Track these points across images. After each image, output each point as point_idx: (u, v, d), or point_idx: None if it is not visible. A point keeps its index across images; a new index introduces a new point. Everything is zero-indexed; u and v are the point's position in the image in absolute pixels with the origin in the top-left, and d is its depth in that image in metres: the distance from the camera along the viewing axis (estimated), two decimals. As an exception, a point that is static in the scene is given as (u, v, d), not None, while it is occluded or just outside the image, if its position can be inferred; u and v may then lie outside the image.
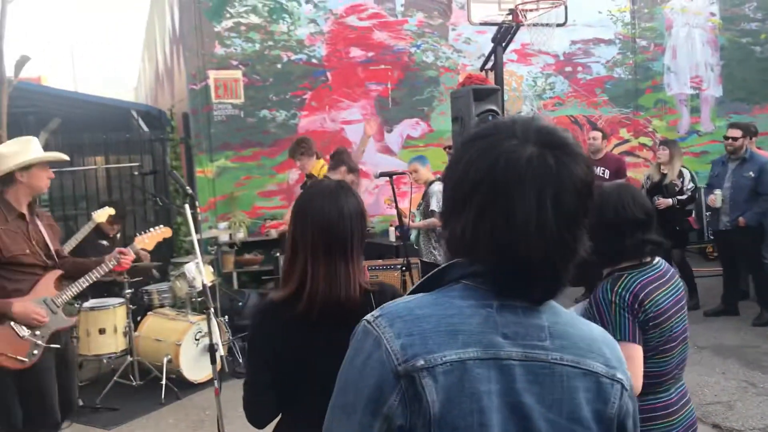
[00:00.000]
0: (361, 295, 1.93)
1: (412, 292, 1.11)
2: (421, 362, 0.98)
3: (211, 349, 3.14)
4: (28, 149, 3.45)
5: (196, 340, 5.30)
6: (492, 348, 1.00)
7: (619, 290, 2.10)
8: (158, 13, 11.44)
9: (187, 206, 3.48)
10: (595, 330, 1.12)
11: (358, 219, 1.96)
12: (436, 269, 1.10)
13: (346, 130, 8.44)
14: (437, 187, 5.94)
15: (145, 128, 8.83)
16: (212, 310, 3.17)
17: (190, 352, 5.29)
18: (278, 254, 7.29)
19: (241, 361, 5.61)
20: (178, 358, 5.21)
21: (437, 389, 0.97)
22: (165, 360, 5.21)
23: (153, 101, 13.05)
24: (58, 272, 3.47)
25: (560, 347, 1.04)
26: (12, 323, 3.29)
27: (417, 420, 0.97)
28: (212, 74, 7.90)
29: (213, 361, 3.17)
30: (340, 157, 5.78)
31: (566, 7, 7.38)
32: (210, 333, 3.10)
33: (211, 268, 5.55)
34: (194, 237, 3.38)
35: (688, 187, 6.65)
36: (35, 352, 3.32)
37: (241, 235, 7.68)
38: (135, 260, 3.67)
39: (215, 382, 3.20)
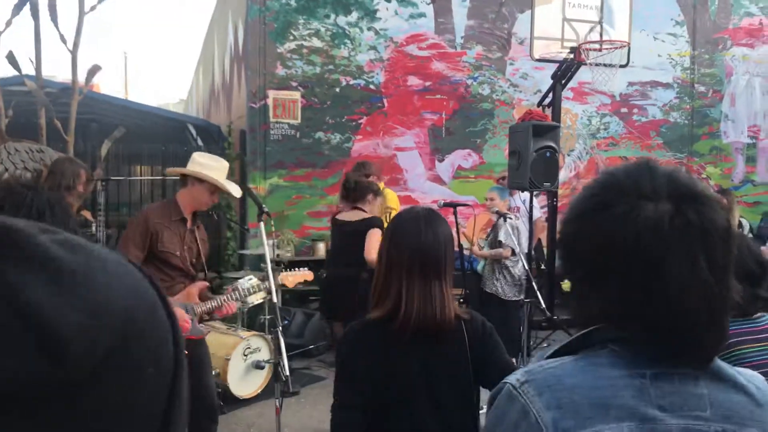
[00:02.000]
0: (454, 318, 1.97)
1: (554, 354, 1.05)
2: None
3: (276, 368, 3.16)
4: (220, 169, 3.54)
5: (244, 355, 5.33)
6: (648, 422, 0.94)
7: None
8: (219, 30, 11.71)
9: (262, 224, 3.53)
10: (762, 392, 1.03)
11: (450, 244, 2.04)
12: (580, 333, 1.04)
13: (398, 157, 8.49)
14: (511, 222, 5.89)
15: (200, 142, 9.01)
16: (280, 328, 3.19)
17: (238, 368, 5.32)
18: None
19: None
20: (225, 372, 5.24)
21: None
22: (212, 374, 5.24)
23: (206, 115, 13.31)
24: (205, 284, 3.55)
25: (722, 417, 0.97)
26: None
27: None
28: (272, 94, 8.03)
29: (277, 380, 3.18)
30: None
31: (629, 49, 7.39)
32: (280, 353, 3.11)
33: (263, 285, 5.59)
34: (267, 255, 3.42)
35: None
36: None
37: (288, 253, 7.73)
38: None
39: (276, 401, 3.22)
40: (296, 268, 3.92)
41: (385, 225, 6.49)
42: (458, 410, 1.99)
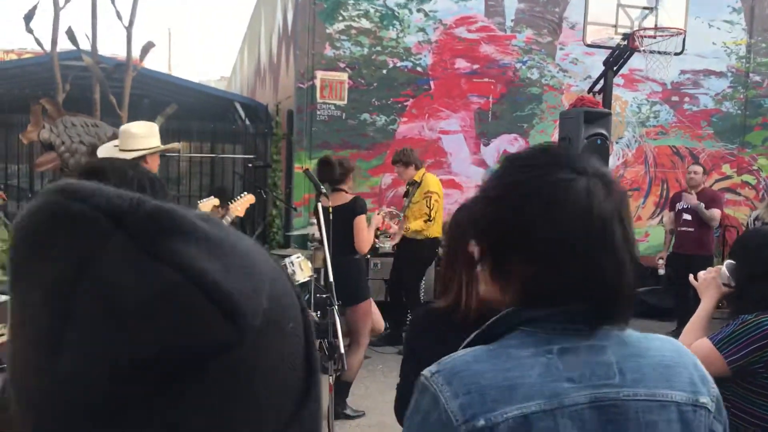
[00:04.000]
0: None
1: (469, 344, 1.07)
2: (482, 422, 0.94)
3: (330, 348, 3.21)
4: (155, 134, 3.59)
5: (291, 332, 5.42)
6: (556, 397, 0.96)
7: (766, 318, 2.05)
8: (266, 8, 11.76)
9: (320, 204, 3.57)
10: (668, 352, 1.06)
11: None
12: (491, 321, 1.06)
13: (443, 140, 8.48)
14: None
15: (247, 121, 9.11)
16: (336, 307, 3.24)
17: (284, 344, 5.41)
18: (368, 257, 7.37)
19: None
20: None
21: None
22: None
23: (250, 93, 13.42)
24: None
25: (632, 381, 1.00)
26: None
27: None
28: (320, 74, 8.07)
29: (330, 358, 3.24)
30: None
31: (684, 37, 7.23)
32: (335, 331, 3.16)
33: (309, 264, 5.67)
34: (324, 236, 3.46)
35: (801, 231, 6.41)
36: None
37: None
38: None
39: (329, 378, 3.28)
40: (239, 196, 4.03)
41: (425, 209, 6.52)
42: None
